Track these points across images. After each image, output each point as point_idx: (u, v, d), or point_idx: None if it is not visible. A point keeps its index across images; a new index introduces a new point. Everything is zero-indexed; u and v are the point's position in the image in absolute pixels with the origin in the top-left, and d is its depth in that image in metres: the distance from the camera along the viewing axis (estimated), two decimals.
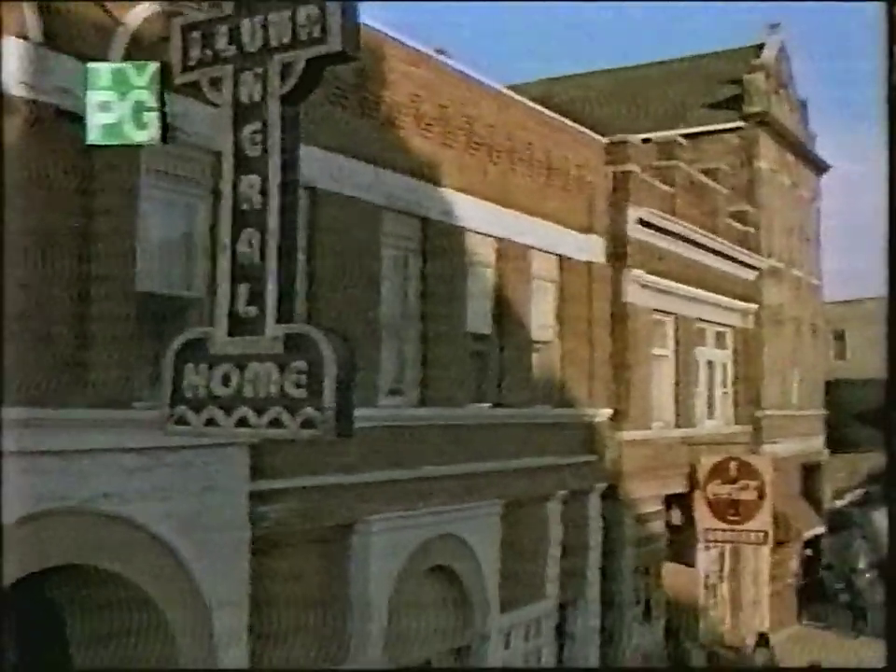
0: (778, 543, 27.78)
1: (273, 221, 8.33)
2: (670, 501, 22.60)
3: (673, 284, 22.31)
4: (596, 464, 18.70)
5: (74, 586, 9.99)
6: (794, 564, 30.35)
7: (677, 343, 23.02)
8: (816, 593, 31.35)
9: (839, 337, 61.40)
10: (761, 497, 22.53)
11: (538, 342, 17.60)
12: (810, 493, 31.66)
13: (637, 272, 20.68)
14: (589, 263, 18.85)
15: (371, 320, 13.50)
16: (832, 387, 44.12)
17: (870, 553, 36.96)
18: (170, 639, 10.25)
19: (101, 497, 9.58)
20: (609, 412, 19.19)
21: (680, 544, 22.97)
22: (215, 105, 7.86)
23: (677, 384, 22.97)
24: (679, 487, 22.58)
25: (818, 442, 33.51)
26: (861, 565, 31.86)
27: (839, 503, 42.19)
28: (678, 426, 22.90)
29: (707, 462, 22.80)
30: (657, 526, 21.69)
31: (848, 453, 44.88)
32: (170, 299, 10.87)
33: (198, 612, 10.44)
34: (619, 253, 20.28)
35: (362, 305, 13.32)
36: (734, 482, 22.52)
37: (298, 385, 8.08)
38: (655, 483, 21.25)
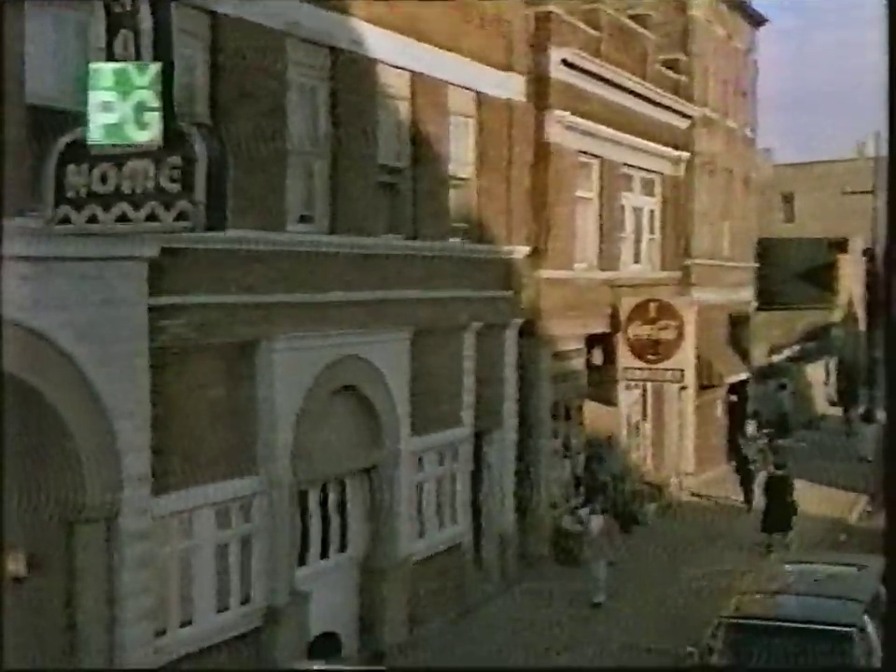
0: (703, 387, 28.63)
1: (145, 22, 8.51)
2: (592, 342, 23.17)
3: (598, 127, 22.49)
4: (513, 300, 19.08)
5: None
6: (720, 408, 31.24)
7: (601, 186, 23.31)
8: (740, 438, 32.26)
9: (788, 200, 61.79)
10: (680, 336, 23.14)
11: (455, 177, 17.82)
12: (738, 342, 32.43)
13: (561, 112, 20.86)
14: (509, 101, 18.96)
15: (278, 146, 13.65)
16: (775, 245, 44.82)
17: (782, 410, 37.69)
18: (71, 445, 10.65)
19: None
20: (526, 250, 19.52)
21: (603, 384, 23.63)
22: None
23: (601, 227, 23.33)
24: (600, 328, 23.13)
25: (746, 294, 34.16)
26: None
27: (776, 358, 43.29)
28: (601, 268, 23.34)
29: (627, 303, 23.31)
30: (577, 364, 22.28)
31: (787, 310, 45.86)
32: (65, 113, 10.94)
33: (97, 417, 10.82)
34: (541, 93, 20.46)
35: (267, 131, 13.45)
36: (654, 322, 23.08)
37: (172, 180, 8.41)
38: (575, 322, 21.76)
